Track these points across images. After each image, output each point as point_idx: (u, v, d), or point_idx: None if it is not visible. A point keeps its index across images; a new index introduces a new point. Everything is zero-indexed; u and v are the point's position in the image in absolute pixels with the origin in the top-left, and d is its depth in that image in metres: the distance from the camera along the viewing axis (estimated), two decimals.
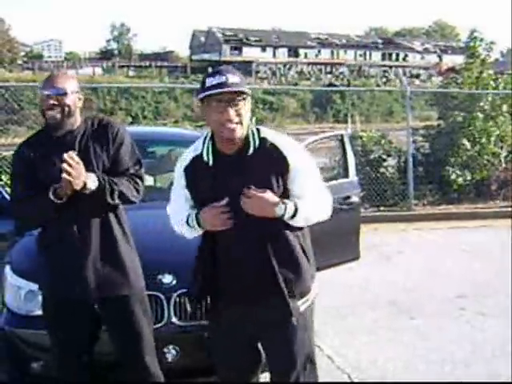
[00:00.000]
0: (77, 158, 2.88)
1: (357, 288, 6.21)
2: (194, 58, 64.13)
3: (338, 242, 4.78)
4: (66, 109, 3.03)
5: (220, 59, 60.11)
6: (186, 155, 2.76)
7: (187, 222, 2.70)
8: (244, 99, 2.58)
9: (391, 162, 11.26)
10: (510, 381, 4.13)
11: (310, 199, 2.67)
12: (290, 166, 2.63)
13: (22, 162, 3.10)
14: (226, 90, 2.52)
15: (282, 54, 64.19)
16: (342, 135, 5.38)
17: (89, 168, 2.96)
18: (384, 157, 11.12)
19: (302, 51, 65.31)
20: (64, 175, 2.83)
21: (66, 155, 2.85)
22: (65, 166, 2.83)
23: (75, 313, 3.05)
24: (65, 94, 3.02)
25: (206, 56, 61.66)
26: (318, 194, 2.74)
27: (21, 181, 3.12)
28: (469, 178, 11.04)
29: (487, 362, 4.49)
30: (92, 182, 2.93)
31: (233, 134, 2.57)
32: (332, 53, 66.81)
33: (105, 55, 67.70)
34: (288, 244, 2.70)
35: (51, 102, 3.00)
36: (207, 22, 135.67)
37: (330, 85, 42.86)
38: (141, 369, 3.12)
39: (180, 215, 2.76)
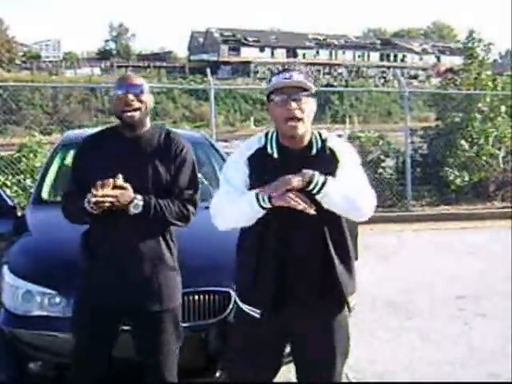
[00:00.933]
0: (124, 184, 2.85)
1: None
2: (192, 58, 64.14)
3: None
4: (144, 107, 3.01)
5: (218, 59, 60.18)
6: (250, 145, 2.74)
7: (257, 198, 2.55)
8: (308, 96, 2.60)
9: (389, 162, 11.28)
10: (509, 381, 4.13)
11: (349, 180, 2.67)
12: (339, 163, 2.68)
13: (80, 159, 3.10)
14: (287, 82, 2.57)
15: (281, 55, 64.18)
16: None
17: (143, 181, 2.93)
18: (382, 157, 11.14)
19: (300, 52, 65.34)
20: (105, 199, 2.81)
21: (118, 180, 2.84)
22: (109, 192, 2.81)
23: (108, 318, 3.02)
24: (142, 92, 3.01)
25: (204, 56, 61.68)
26: (361, 183, 2.78)
27: (74, 177, 3.10)
28: (467, 178, 11.05)
29: (486, 363, 4.49)
30: (134, 206, 2.88)
31: (294, 130, 2.59)
32: (330, 53, 66.86)
33: (103, 55, 67.65)
34: (345, 241, 2.79)
35: (130, 99, 2.96)
36: (205, 23, 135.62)
37: (328, 85, 42.89)
38: (158, 381, 3.10)
39: (240, 196, 2.63)
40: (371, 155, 10.99)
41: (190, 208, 3.06)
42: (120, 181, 2.85)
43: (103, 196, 2.80)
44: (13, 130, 23.23)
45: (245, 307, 2.76)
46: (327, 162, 2.66)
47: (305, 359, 2.82)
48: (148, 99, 3.05)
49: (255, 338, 2.75)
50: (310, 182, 2.53)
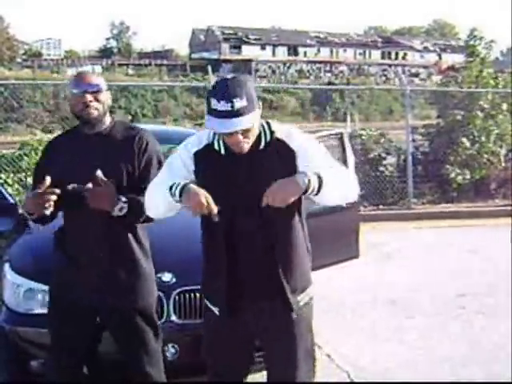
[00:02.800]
0: (105, 180, 2.83)
1: (356, 287, 6.20)
2: (193, 56, 64.09)
3: (337, 240, 4.78)
4: (102, 106, 2.99)
5: (219, 57, 60.15)
6: (198, 140, 2.71)
7: (170, 188, 2.56)
8: (253, 122, 2.53)
9: (391, 160, 11.27)
10: (509, 381, 4.13)
11: (328, 170, 2.57)
12: (296, 154, 2.62)
13: (43, 163, 3.11)
14: (231, 130, 2.48)
15: (282, 53, 64.17)
16: (341, 134, 5.38)
17: (109, 178, 2.91)
18: (383, 155, 11.13)
19: (301, 50, 65.27)
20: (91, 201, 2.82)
21: (98, 173, 2.82)
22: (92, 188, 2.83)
23: (80, 316, 3.02)
24: (100, 91, 2.99)
25: (205, 54, 61.63)
26: (335, 167, 2.67)
27: (37, 181, 3.05)
28: (468, 176, 11.04)
29: (487, 362, 4.49)
30: (119, 209, 2.87)
31: (241, 150, 2.57)
32: (331, 51, 66.77)
33: (104, 53, 67.60)
34: (291, 236, 2.70)
35: (88, 99, 2.94)
36: (207, 21, 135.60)
37: (330, 83, 42.86)
38: (143, 377, 3.10)
39: (164, 185, 2.62)
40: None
41: None
42: (100, 174, 2.84)
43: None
44: (14, 128, 23.26)
45: (208, 303, 2.78)
46: (278, 155, 2.62)
47: (268, 359, 2.83)
48: (106, 97, 3.03)
49: (220, 335, 2.76)
50: (306, 191, 2.48)
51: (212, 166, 2.63)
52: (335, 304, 5.60)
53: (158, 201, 2.67)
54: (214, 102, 2.48)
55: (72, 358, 3.08)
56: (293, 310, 2.71)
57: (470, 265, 7.15)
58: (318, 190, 2.49)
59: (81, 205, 2.88)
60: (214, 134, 2.66)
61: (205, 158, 2.66)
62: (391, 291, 6.13)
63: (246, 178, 2.60)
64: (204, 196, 2.48)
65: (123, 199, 2.87)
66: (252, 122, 2.51)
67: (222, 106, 2.46)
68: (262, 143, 2.64)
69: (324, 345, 4.71)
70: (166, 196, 2.58)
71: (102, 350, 3.19)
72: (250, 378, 3.02)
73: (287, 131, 2.70)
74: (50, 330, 3.15)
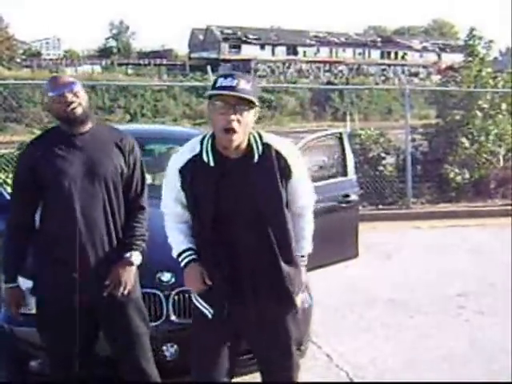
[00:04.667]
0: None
1: (355, 286, 6.20)
2: (192, 56, 64.06)
3: (336, 240, 4.78)
4: (84, 101, 3.00)
5: (219, 57, 60.14)
6: (180, 156, 2.70)
7: (179, 254, 2.78)
8: (251, 108, 2.56)
9: (390, 160, 11.26)
10: (509, 381, 4.13)
11: (307, 218, 2.84)
12: (293, 175, 2.67)
13: (26, 166, 3.05)
14: (231, 93, 2.50)
15: (281, 52, 64.14)
16: (340, 133, 5.38)
17: (94, 176, 2.96)
18: (383, 155, 11.12)
19: (300, 49, 65.25)
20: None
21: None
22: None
23: (72, 314, 3.01)
24: (77, 88, 2.99)
25: (204, 54, 61.62)
26: (311, 199, 2.87)
27: (21, 190, 3.07)
28: (467, 176, 11.04)
29: (486, 361, 4.49)
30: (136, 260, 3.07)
31: (230, 143, 2.55)
32: (331, 51, 66.75)
33: (103, 53, 67.52)
34: (289, 241, 2.73)
35: (69, 97, 2.95)
36: (206, 20, 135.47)
37: (329, 83, 42.85)
38: (137, 372, 3.11)
39: (177, 231, 2.81)
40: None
41: (143, 215, 3.15)
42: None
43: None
44: (13, 127, 23.22)
45: (200, 304, 2.77)
46: (274, 167, 2.62)
47: (262, 360, 2.85)
48: (84, 95, 3.03)
49: (206, 337, 2.77)
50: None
51: (200, 177, 2.62)
52: (334, 303, 5.60)
53: (172, 243, 2.84)
54: (220, 80, 2.54)
55: (70, 359, 3.08)
56: (297, 311, 2.77)
57: (469, 264, 7.15)
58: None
59: (68, 206, 2.92)
60: (201, 143, 2.65)
61: (192, 171, 2.64)
62: (390, 291, 6.13)
63: (242, 190, 2.60)
64: (198, 274, 2.65)
65: (135, 254, 3.07)
66: (252, 103, 2.54)
67: (228, 82, 2.52)
68: (256, 156, 2.62)
69: (323, 344, 4.72)
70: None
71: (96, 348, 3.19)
72: (251, 377, 3.03)
73: (286, 145, 2.72)
74: (43, 334, 3.14)
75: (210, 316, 2.73)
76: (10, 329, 3.51)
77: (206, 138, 2.67)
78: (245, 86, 2.51)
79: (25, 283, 3.52)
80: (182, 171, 2.65)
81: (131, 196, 3.10)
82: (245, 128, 2.55)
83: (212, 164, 2.61)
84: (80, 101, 2.98)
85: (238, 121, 2.52)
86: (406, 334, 5.06)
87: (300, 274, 2.80)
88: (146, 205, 3.17)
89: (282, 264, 2.68)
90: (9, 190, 7.88)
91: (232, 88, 2.49)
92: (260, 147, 2.63)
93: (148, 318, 3.22)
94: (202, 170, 2.61)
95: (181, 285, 3.37)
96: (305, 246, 2.85)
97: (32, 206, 3.06)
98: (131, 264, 3.03)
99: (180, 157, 2.70)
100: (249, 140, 2.62)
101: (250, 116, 2.56)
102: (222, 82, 2.52)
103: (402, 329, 5.19)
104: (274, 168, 2.62)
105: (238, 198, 2.59)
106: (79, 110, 2.98)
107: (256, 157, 2.61)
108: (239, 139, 2.56)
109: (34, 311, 3.46)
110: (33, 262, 3.12)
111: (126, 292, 2.99)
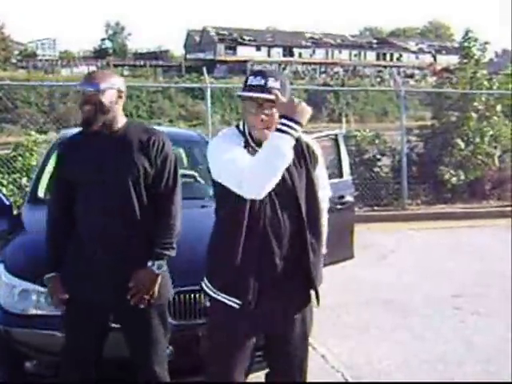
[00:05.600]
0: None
1: (351, 287, 6.21)
2: (188, 57, 64.04)
3: (331, 241, 4.77)
4: (99, 105, 2.99)
5: (215, 58, 60.13)
6: (236, 137, 2.72)
7: (281, 129, 2.51)
8: None
9: (385, 161, 11.29)
10: (509, 381, 4.14)
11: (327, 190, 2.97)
12: (318, 163, 2.82)
13: (60, 162, 3.14)
14: (257, 95, 2.60)
15: (277, 54, 64.18)
16: (336, 135, 5.39)
17: (122, 176, 2.96)
18: (378, 156, 11.16)
19: (296, 51, 65.30)
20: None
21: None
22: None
23: (92, 315, 3.04)
24: (97, 90, 2.99)
25: (200, 55, 61.61)
26: (327, 195, 3.01)
27: (57, 181, 3.20)
28: (463, 177, 11.07)
29: (481, 362, 4.50)
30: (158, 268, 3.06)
31: (265, 137, 2.60)
32: (326, 52, 66.82)
33: (99, 54, 67.47)
34: (320, 234, 2.83)
35: (83, 98, 2.99)
36: (202, 22, 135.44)
37: (325, 84, 42.88)
38: (150, 376, 3.12)
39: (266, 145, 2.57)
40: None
41: (173, 212, 3.09)
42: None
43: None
44: (9, 128, 23.20)
45: (223, 298, 2.74)
46: (305, 158, 2.76)
47: (280, 352, 2.85)
48: (105, 98, 3.00)
49: (233, 331, 2.74)
50: None
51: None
52: (330, 305, 5.60)
53: (274, 163, 2.52)
54: (250, 78, 2.65)
55: (86, 358, 3.09)
56: (319, 302, 2.86)
57: (465, 265, 7.17)
58: None
59: (95, 204, 2.96)
60: (243, 135, 2.72)
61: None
62: (386, 292, 6.14)
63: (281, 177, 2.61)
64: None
65: (155, 266, 3.03)
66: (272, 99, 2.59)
67: (257, 81, 2.62)
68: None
69: (319, 345, 4.72)
70: (284, 140, 2.51)
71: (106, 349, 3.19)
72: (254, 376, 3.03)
73: (314, 141, 2.88)
74: (65, 329, 3.16)
75: (237, 307, 2.70)
76: (5, 330, 3.51)
77: (241, 127, 2.76)
78: (273, 84, 2.60)
79: (20, 285, 3.54)
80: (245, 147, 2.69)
81: (161, 193, 3.07)
82: (276, 122, 2.60)
83: (257, 149, 2.66)
84: (94, 103, 2.98)
85: (270, 117, 2.61)
86: (401, 335, 5.07)
87: (322, 267, 2.89)
88: (179, 202, 3.14)
89: (311, 256, 2.74)
90: (4, 191, 7.89)
91: (260, 87, 2.60)
92: None
93: (168, 325, 3.20)
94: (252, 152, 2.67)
95: (178, 286, 3.37)
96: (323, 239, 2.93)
97: (65, 203, 3.08)
98: (153, 273, 3.02)
99: (237, 134, 2.74)
100: None
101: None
102: (251, 80, 2.64)
103: (397, 330, 5.20)
104: (305, 156, 2.75)
105: (279, 185, 2.60)
106: (89, 111, 2.99)
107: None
108: (272, 131, 2.61)
109: (29, 312, 3.48)
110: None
111: (147, 297, 2.99)
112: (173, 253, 3.07)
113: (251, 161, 2.53)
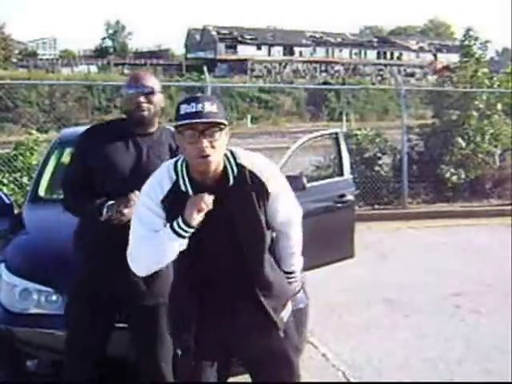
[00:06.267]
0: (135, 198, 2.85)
1: (351, 286, 6.21)
2: (189, 56, 64.00)
3: (332, 239, 4.79)
4: (153, 108, 3.02)
5: (215, 57, 60.11)
6: (160, 184, 2.51)
7: (172, 227, 2.41)
8: (221, 130, 2.41)
9: (386, 160, 11.28)
10: (509, 381, 4.14)
11: (291, 233, 2.72)
12: (270, 195, 2.54)
13: (86, 147, 3.07)
14: (198, 120, 2.37)
15: (278, 53, 64.13)
16: (336, 133, 5.39)
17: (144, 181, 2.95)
18: (379, 155, 11.15)
19: (297, 49, 65.24)
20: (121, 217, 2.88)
21: (132, 195, 2.86)
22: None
23: (99, 313, 3.04)
24: (153, 92, 3.01)
25: (201, 54, 61.57)
26: (294, 214, 2.73)
27: (76, 166, 3.09)
28: (463, 176, 11.07)
29: (482, 361, 4.50)
30: None
31: (207, 167, 2.41)
32: (327, 51, 66.75)
33: (100, 53, 67.40)
34: (266, 270, 2.63)
35: (141, 100, 2.98)
36: (202, 20, 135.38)
37: (325, 83, 42.86)
38: (155, 372, 3.13)
39: (156, 236, 2.46)
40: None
41: None
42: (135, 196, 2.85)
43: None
44: (9, 127, 23.21)
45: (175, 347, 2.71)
46: (250, 189, 2.51)
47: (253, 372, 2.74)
48: (158, 100, 3.05)
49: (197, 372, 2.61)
50: None
51: (181, 208, 2.44)
52: (330, 303, 5.61)
53: (155, 255, 2.47)
54: (183, 107, 2.40)
55: (91, 353, 3.10)
56: (280, 329, 2.64)
57: (465, 264, 7.17)
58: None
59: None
60: (175, 169, 2.51)
61: (173, 203, 2.47)
62: (386, 290, 6.14)
63: (221, 217, 2.47)
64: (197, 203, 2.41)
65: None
66: (222, 124, 2.41)
67: (192, 107, 2.38)
68: (231, 179, 2.50)
69: (319, 344, 4.73)
70: (170, 238, 2.41)
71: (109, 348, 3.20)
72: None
73: (260, 163, 2.58)
74: (69, 324, 3.15)
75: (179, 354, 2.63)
76: (6, 329, 3.52)
77: (180, 163, 2.52)
78: (210, 108, 2.38)
79: (21, 284, 3.54)
80: (165, 202, 2.49)
81: None
82: (219, 151, 2.43)
83: (190, 193, 2.48)
84: (149, 105, 3.00)
85: (212, 146, 2.38)
86: (402, 334, 5.07)
87: (285, 294, 2.71)
88: None
89: (258, 291, 2.59)
90: (5, 190, 7.90)
91: (197, 114, 2.37)
92: (235, 169, 2.51)
93: None
94: (180, 199, 2.46)
95: None
96: (294, 262, 2.78)
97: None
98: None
99: (158, 186, 2.51)
100: (224, 164, 2.50)
101: (222, 137, 2.43)
102: (185, 108, 2.39)
103: (398, 328, 5.20)
104: (248, 190, 2.51)
105: (216, 224, 2.48)
106: (145, 115, 3.00)
107: (231, 180, 2.50)
108: (216, 162, 2.44)
109: (30, 311, 3.48)
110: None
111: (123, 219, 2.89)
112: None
113: (135, 243, 2.50)
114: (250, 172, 2.51)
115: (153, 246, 2.45)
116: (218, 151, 2.41)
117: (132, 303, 3.06)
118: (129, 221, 2.66)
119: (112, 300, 3.05)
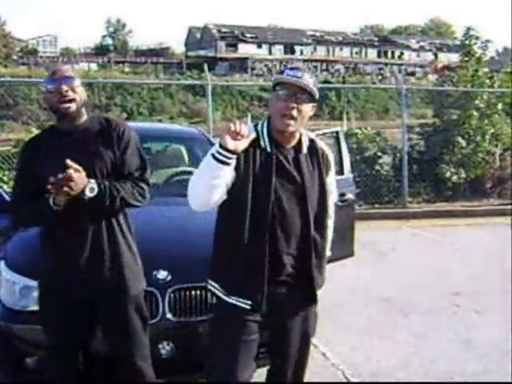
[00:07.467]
0: (76, 166, 2.81)
1: (351, 285, 6.21)
2: (189, 54, 64.00)
3: (332, 238, 4.78)
4: (79, 98, 2.99)
5: (216, 56, 60.10)
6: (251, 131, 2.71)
7: (212, 154, 2.54)
8: (310, 101, 2.66)
9: (386, 159, 11.29)
10: (509, 381, 4.14)
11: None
12: (330, 169, 2.84)
13: (25, 162, 3.08)
14: (299, 81, 2.60)
15: (278, 51, 64.16)
16: (337, 132, 5.39)
17: (90, 170, 2.91)
18: (379, 154, 11.15)
19: (297, 48, 65.30)
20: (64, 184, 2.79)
21: (68, 161, 2.79)
22: (71, 172, 2.78)
23: (72, 309, 3.02)
24: (74, 81, 2.99)
25: (201, 52, 61.59)
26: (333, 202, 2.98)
27: (22, 180, 3.10)
28: (463, 175, 11.08)
29: (481, 360, 4.50)
30: (90, 189, 2.86)
31: (287, 127, 2.64)
32: (328, 50, 66.81)
33: (100, 51, 67.42)
34: (325, 238, 2.87)
35: (64, 90, 2.95)
36: (203, 19, 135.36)
37: (326, 82, 42.87)
38: (131, 370, 3.11)
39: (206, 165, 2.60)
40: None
41: (144, 185, 3.08)
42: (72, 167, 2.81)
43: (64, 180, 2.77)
44: (10, 125, 23.20)
45: (232, 299, 2.73)
46: (318, 162, 2.78)
47: (282, 350, 2.87)
48: (81, 90, 3.02)
49: (240, 330, 2.73)
50: None
51: (257, 160, 2.66)
52: (330, 303, 5.59)
53: (200, 182, 2.61)
54: (286, 70, 2.67)
55: (69, 353, 3.10)
56: (316, 303, 2.92)
57: (465, 263, 7.17)
58: None
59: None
60: (256, 129, 2.71)
61: (250, 153, 2.65)
62: (386, 290, 6.14)
63: (295, 179, 2.69)
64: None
65: (92, 181, 2.88)
66: (313, 97, 2.65)
67: (293, 72, 2.64)
68: (305, 148, 2.75)
69: (319, 343, 4.72)
70: (208, 164, 2.55)
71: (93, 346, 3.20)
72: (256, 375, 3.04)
73: (326, 147, 2.88)
74: (44, 326, 3.16)
75: (248, 307, 2.70)
76: (6, 326, 3.52)
77: (260, 125, 2.75)
78: (308, 79, 2.63)
79: (21, 281, 3.54)
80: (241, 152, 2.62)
81: (126, 173, 3.05)
82: (302, 118, 2.66)
83: (269, 150, 2.69)
84: (74, 96, 2.98)
85: (298, 109, 2.62)
86: (402, 333, 5.07)
87: (324, 269, 2.91)
88: (149, 180, 3.13)
89: (314, 257, 2.77)
90: (5, 187, 7.89)
91: (299, 78, 2.61)
92: (308, 142, 2.78)
93: (147, 316, 3.21)
94: (259, 153, 2.67)
95: (177, 283, 3.37)
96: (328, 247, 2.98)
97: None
98: (85, 183, 2.86)
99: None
100: (300, 134, 2.75)
101: (308, 108, 2.66)
102: (288, 72, 2.64)
103: (397, 328, 5.20)
104: (319, 160, 2.78)
105: (289, 185, 2.68)
106: (72, 106, 2.98)
107: (305, 149, 2.75)
108: (296, 126, 2.66)
109: (30, 309, 3.48)
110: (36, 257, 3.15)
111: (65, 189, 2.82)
112: (107, 194, 2.94)
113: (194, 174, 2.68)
114: (321, 148, 2.82)
115: (204, 174, 2.58)
116: (300, 118, 2.65)
117: (100, 299, 3.03)
118: (80, 193, 2.78)
119: (82, 299, 3.02)
